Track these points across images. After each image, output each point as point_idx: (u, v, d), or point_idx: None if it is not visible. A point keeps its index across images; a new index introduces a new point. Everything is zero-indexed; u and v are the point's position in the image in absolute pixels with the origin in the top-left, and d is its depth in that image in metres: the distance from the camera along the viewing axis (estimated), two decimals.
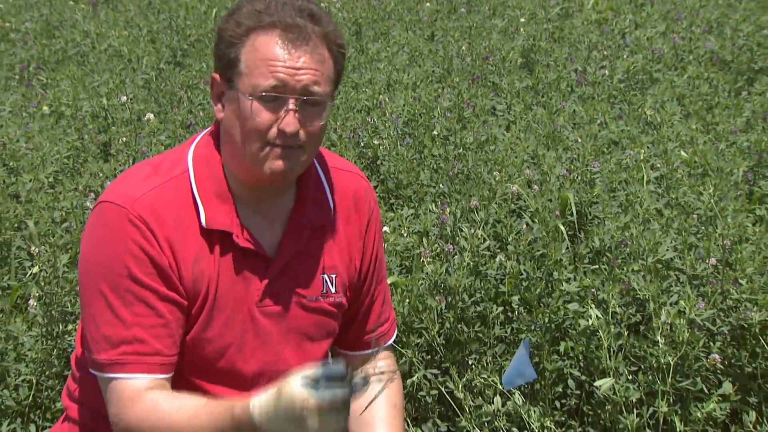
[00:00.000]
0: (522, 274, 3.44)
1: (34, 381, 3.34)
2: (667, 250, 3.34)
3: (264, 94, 1.96)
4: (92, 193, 4.21)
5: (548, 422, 3.22)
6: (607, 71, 5.66)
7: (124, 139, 5.01)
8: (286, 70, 1.96)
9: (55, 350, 3.35)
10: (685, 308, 3.10)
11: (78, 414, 2.20)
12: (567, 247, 3.66)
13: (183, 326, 2.03)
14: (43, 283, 3.45)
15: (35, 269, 3.66)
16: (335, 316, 2.19)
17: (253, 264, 2.07)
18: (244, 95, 1.98)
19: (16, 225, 4.06)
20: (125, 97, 5.53)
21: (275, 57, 1.96)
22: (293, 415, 1.77)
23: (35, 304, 3.47)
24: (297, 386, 1.77)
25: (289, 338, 2.13)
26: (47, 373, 3.35)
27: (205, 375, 2.08)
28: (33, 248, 3.87)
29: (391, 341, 2.35)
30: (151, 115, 5.21)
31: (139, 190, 2.01)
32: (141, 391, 1.98)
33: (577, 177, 4.16)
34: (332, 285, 2.16)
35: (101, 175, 4.41)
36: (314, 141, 2.04)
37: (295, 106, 1.98)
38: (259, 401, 1.84)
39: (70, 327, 3.36)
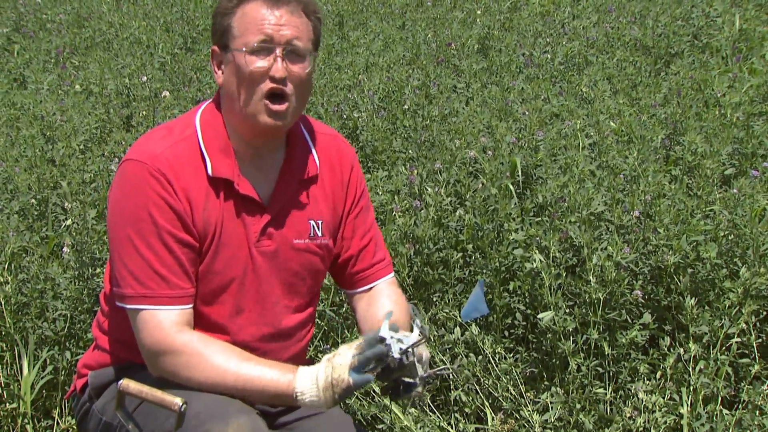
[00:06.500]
0: (477, 226, 3.43)
1: (68, 315, 3.32)
2: (599, 204, 3.33)
3: (255, 45, 1.98)
4: (116, 158, 4.16)
5: (499, 348, 3.23)
6: (549, 55, 5.61)
7: (144, 112, 4.98)
8: (271, 26, 1.99)
9: (86, 290, 3.33)
10: (613, 253, 3.11)
11: (107, 343, 2.18)
12: (515, 203, 3.65)
13: (196, 265, 2.02)
14: (75, 234, 3.43)
15: (68, 222, 3.64)
16: (322, 257, 2.18)
17: (251, 209, 2.06)
18: (238, 51, 1.99)
19: (52, 185, 4.02)
20: (145, 78, 5.47)
21: (261, 17, 1.99)
22: (331, 378, 1.88)
23: (69, 251, 3.45)
24: (347, 354, 1.90)
25: (281, 275, 2.12)
26: (79, 308, 3.33)
27: (210, 304, 2.06)
28: (66, 204, 3.83)
29: (391, 274, 2.29)
30: (167, 93, 5.16)
31: (157, 148, 2.00)
32: (169, 322, 1.97)
33: (525, 144, 4.14)
34: (319, 229, 2.15)
35: (124, 143, 4.37)
36: (300, 90, 2.04)
37: (282, 54, 1.99)
38: (304, 372, 1.92)
39: (98, 270, 3.34)
